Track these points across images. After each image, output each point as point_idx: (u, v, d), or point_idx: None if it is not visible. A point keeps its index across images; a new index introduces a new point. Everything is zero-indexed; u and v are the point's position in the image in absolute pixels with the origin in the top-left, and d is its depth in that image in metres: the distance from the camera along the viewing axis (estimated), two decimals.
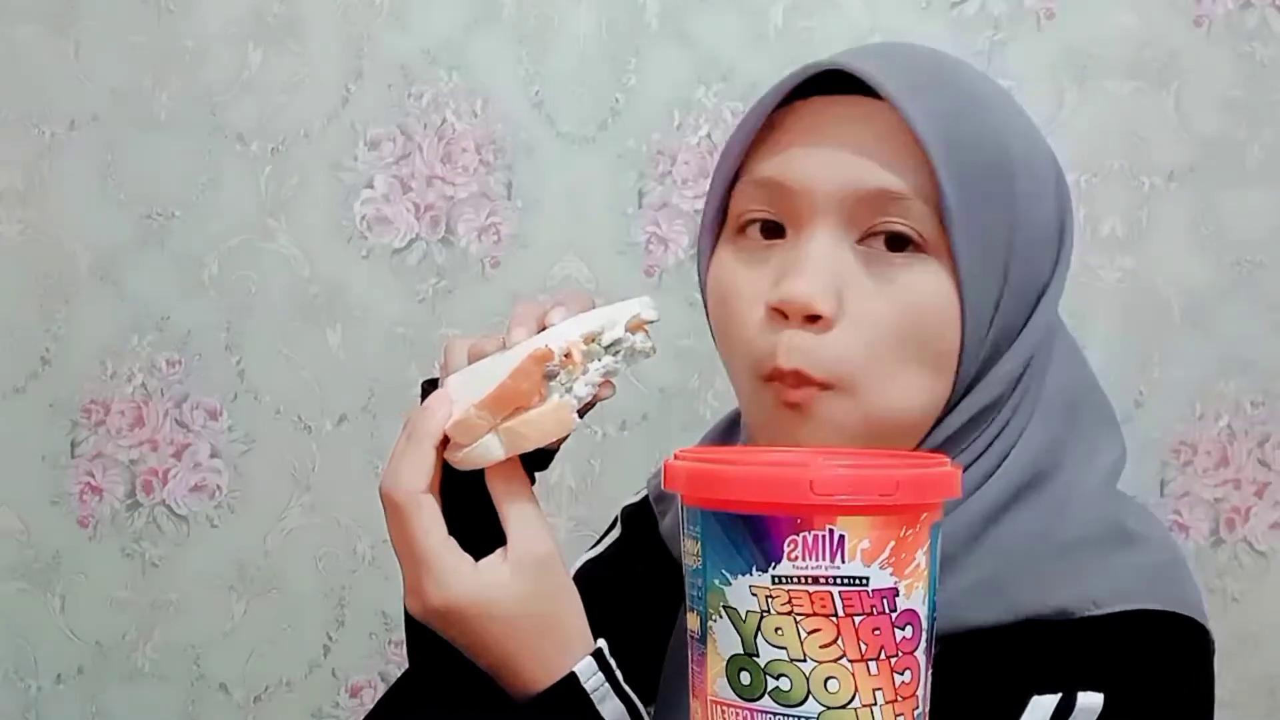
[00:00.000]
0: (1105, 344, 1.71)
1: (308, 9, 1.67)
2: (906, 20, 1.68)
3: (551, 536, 0.73)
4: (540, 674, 0.71)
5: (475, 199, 1.69)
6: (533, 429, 0.71)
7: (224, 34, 1.66)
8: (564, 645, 0.72)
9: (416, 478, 0.71)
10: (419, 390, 0.83)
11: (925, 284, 0.73)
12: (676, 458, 0.60)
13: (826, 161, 0.74)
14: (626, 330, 0.73)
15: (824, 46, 1.67)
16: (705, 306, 0.81)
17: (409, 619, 0.79)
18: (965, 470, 0.76)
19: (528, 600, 0.71)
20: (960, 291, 0.73)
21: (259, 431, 1.70)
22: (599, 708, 0.71)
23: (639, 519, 0.94)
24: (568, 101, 1.68)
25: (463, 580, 0.70)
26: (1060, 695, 0.71)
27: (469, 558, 0.71)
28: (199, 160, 1.67)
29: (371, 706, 0.85)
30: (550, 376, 0.71)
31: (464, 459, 0.72)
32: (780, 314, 0.73)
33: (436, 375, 0.83)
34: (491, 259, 1.69)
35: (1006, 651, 0.73)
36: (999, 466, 0.77)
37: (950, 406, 0.76)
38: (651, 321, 0.75)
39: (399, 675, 0.86)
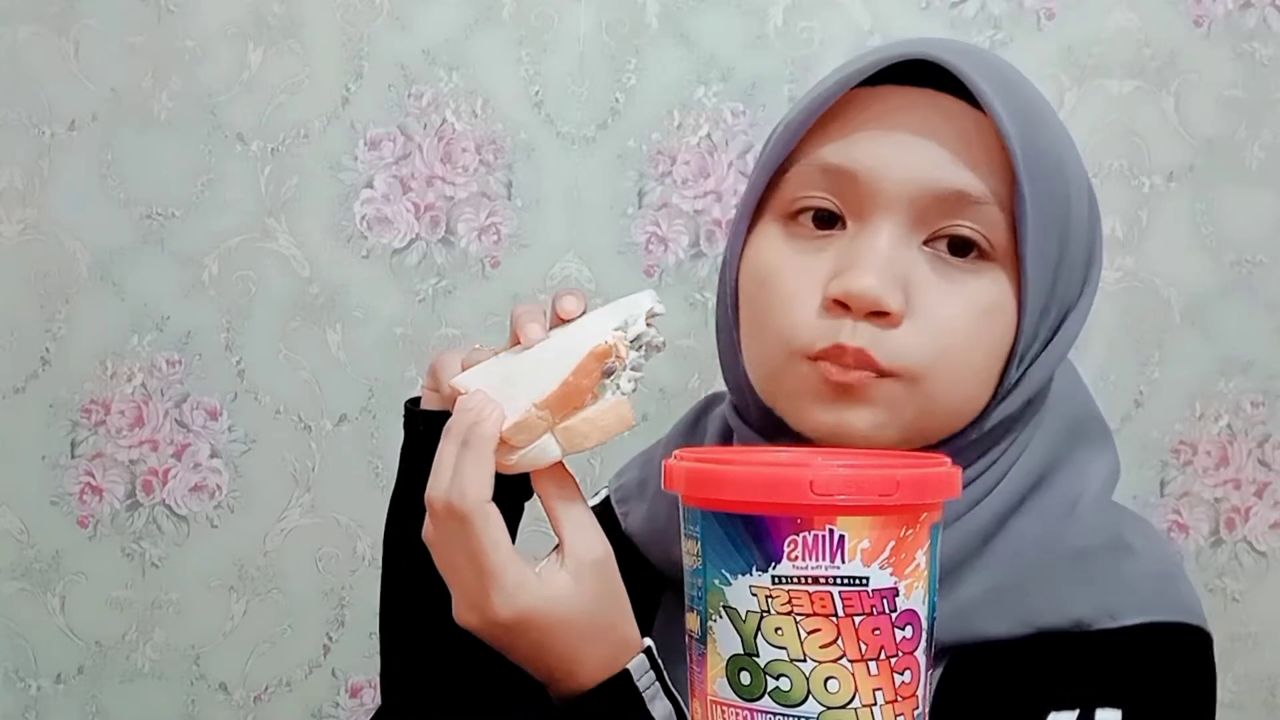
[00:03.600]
0: (1105, 344, 1.71)
1: (308, 9, 1.67)
2: (906, 20, 1.67)
3: (605, 538, 0.71)
4: (596, 675, 0.70)
5: (475, 199, 1.69)
6: (593, 427, 0.69)
7: (224, 34, 1.66)
8: (618, 645, 0.71)
9: (483, 488, 0.68)
10: (404, 412, 0.83)
11: (991, 291, 0.72)
12: (677, 458, 0.60)
13: (900, 152, 0.71)
14: (645, 324, 0.72)
15: (824, 46, 1.68)
16: (730, 286, 0.78)
17: (397, 624, 0.79)
18: (979, 477, 0.75)
19: (588, 604, 0.69)
20: (1020, 302, 0.73)
21: (259, 431, 1.70)
22: (649, 706, 0.70)
23: (600, 520, 0.93)
24: (568, 101, 1.68)
25: (530, 591, 0.68)
26: (1078, 711, 0.71)
27: (531, 567, 0.69)
28: (199, 160, 1.67)
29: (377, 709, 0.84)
30: (608, 374, 0.69)
31: (519, 462, 0.70)
32: (842, 306, 0.71)
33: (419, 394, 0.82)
34: (491, 259, 1.69)
35: (1023, 665, 0.73)
36: (1006, 474, 0.76)
37: (982, 412, 0.75)
38: (660, 315, 0.73)
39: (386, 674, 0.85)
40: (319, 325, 1.69)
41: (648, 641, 0.72)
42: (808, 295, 0.72)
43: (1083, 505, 0.78)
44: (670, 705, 0.71)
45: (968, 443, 0.75)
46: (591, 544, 0.70)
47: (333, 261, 1.68)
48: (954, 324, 0.71)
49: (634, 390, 0.71)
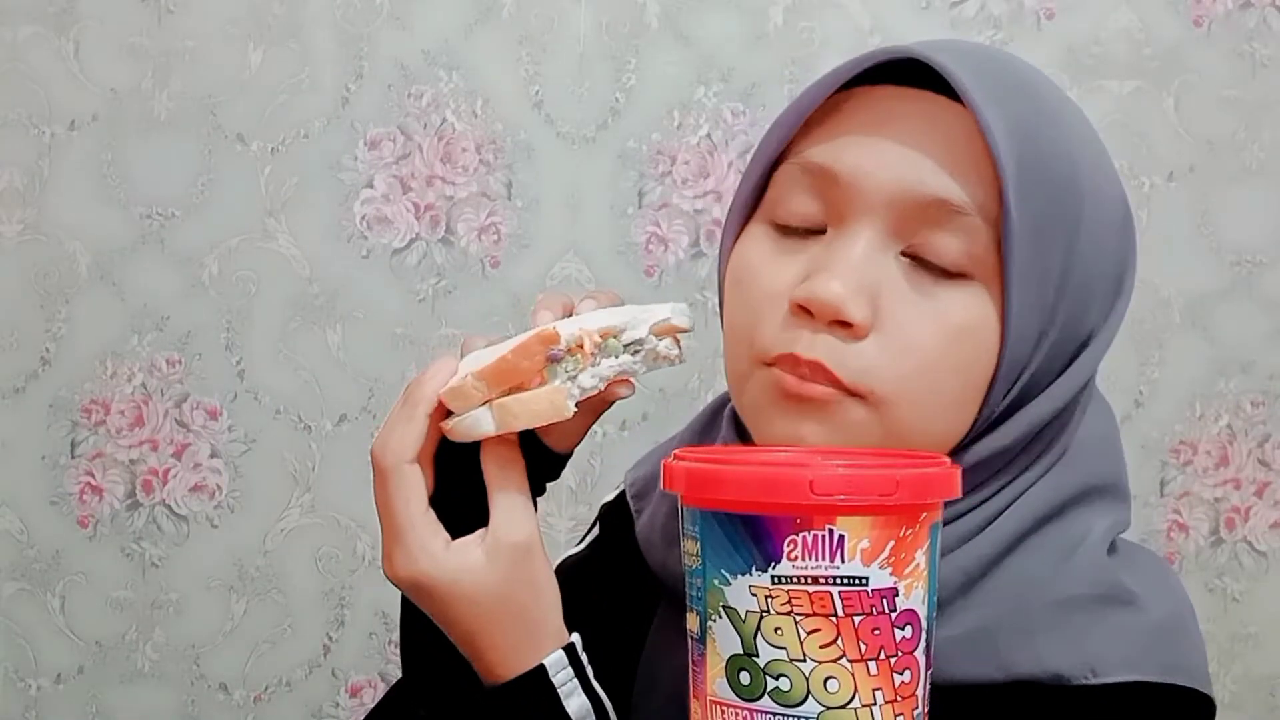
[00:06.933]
0: None
1: (308, 9, 1.67)
2: (906, 20, 1.68)
3: (534, 525, 0.70)
4: (508, 661, 0.69)
5: (475, 199, 1.69)
6: (524, 408, 0.69)
7: (224, 34, 1.66)
8: (534, 636, 0.70)
9: (405, 446, 0.69)
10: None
11: (970, 309, 0.68)
12: (676, 458, 0.60)
13: (883, 156, 0.68)
14: (651, 333, 0.71)
15: (824, 46, 1.68)
16: (721, 286, 0.76)
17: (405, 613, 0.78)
18: (965, 515, 0.71)
19: (499, 586, 0.69)
20: (1004, 322, 0.68)
21: (259, 431, 1.70)
22: (565, 703, 0.69)
23: (615, 516, 0.90)
24: (568, 101, 1.68)
25: (432, 558, 0.68)
26: None
27: (444, 534, 0.69)
28: (199, 160, 1.67)
29: (373, 706, 0.84)
30: (553, 360, 0.69)
31: (454, 428, 0.70)
32: (805, 312, 0.67)
33: None
34: (491, 259, 1.69)
35: (994, 714, 0.69)
36: (999, 516, 0.71)
37: (966, 443, 0.70)
38: (684, 330, 0.72)
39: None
40: (319, 325, 1.69)
41: (574, 637, 0.71)
42: (776, 299, 0.69)
43: (1083, 550, 0.72)
44: (589, 702, 0.70)
45: None
46: (516, 527, 0.69)
47: (333, 261, 1.68)
48: (924, 341, 0.67)
49: (596, 390, 0.70)
